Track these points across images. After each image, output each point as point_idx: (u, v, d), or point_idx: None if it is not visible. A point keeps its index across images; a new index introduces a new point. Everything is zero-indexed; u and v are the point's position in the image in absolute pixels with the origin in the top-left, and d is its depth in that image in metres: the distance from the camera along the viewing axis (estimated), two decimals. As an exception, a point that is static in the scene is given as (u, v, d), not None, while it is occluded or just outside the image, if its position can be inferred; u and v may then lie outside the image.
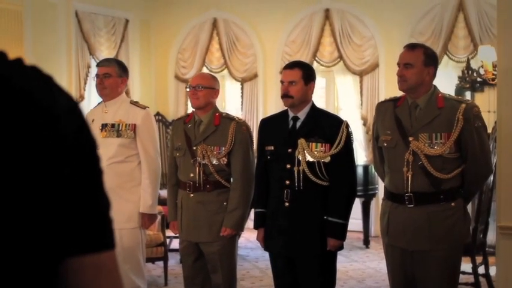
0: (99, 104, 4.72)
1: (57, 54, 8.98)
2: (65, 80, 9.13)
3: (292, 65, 3.99)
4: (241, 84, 10.46)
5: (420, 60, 3.69)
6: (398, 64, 3.75)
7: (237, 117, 4.43)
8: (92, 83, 9.48)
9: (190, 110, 10.25)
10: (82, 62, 9.36)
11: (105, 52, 9.58)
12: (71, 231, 0.98)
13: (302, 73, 3.91)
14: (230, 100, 10.70)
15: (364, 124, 9.43)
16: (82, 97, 9.34)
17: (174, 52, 10.89)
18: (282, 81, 3.96)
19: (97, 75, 4.59)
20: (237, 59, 10.49)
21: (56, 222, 0.96)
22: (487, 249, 6.48)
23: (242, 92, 10.46)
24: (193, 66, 10.75)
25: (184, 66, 10.88)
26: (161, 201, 6.90)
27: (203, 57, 10.66)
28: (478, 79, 8.05)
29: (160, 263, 6.89)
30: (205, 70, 10.08)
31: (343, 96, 9.88)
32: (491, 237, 6.75)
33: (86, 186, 1.01)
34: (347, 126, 3.93)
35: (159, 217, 6.27)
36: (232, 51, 10.49)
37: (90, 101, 9.43)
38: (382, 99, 4.17)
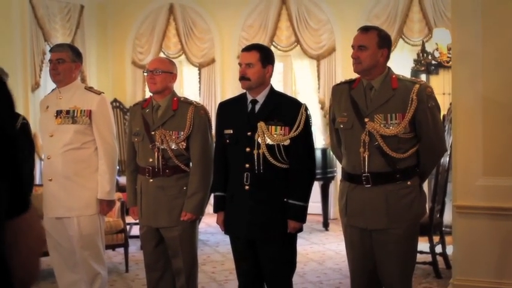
0: (53, 90, 4.65)
1: (12, 41, 8.82)
2: (20, 68, 8.99)
3: (249, 48, 3.99)
4: (199, 70, 10.44)
5: (374, 42, 3.72)
6: (352, 46, 3.78)
7: (195, 102, 4.42)
8: (47, 70, 9.36)
9: (148, 95, 10.19)
10: (37, 48, 9.21)
11: (61, 38, 9.44)
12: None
13: (259, 55, 3.90)
14: (188, 85, 10.67)
15: (322, 108, 9.51)
16: (38, 84, 9.21)
17: (131, 38, 10.80)
18: (239, 64, 3.96)
19: (50, 61, 4.52)
20: (194, 44, 10.45)
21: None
22: (443, 229, 6.61)
23: (200, 77, 10.44)
24: (150, 52, 10.68)
25: (141, 52, 10.80)
26: (121, 188, 6.89)
27: (160, 43, 10.59)
28: (433, 62, 8.17)
29: (121, 250, 6.86)
30: (162, 56, 10.02)
31: (301, 81, 9.92)
32: (447, 217, 6.88)
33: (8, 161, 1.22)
34: (306, 109, 3.94)
35: (118, 204, 6.25)
36: (189, 36, 10.44)
37: (46, 88, 9.29)
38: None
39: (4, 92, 1.29)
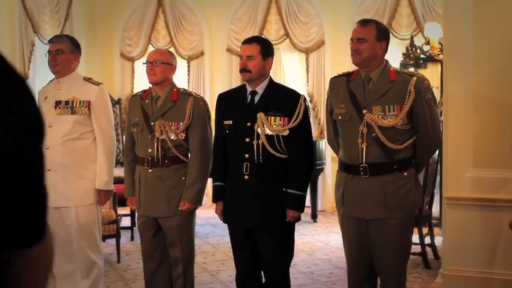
0: (51, 81, 4.66)
1: (0, 32, 8.78)
2: (9, 59, 8.94)
3: (250, 40, 4.04)
4: (188, 62, 10.46)
5: (373, 34, 3.79)
6: (351, 39, 3.84)
7: (195, 93, 4.46)
8: (36, 61, 9.34)
9: (136, 88, 10.23)
10: (26, 40, 9.18)
11: (50, 30, 9.43)
12: (10, 227, 0.98)
13: (260, 48, 3.96)
14: (176, 78, 10.65)
15: (311, 101, 9.56)
16: (27, 76, 9.18)
17: (120, 30, 10.79)
18: (240, 56, 4.01)
19: (49, 52, 4.53)
20: (183, 37, 10.47)
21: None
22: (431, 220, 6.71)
23: (189, 70, 10.46)
24: (139, 45, 10.69)
25: (129, 45, 10.80)
26: (114, 179, 6.89)
27: (149, 35, 10.60)
28: (422, 56, 8.27)
29: (111, 241, 6.89)
30: (151, 48, 10.03)
31: (290, 74, 9.98)
32: (434, 209, 6.99)
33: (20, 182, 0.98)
34: (304, 100, 4.02)
35: (111, 194, 6.28)
36: (178, 29, 10.46)
37: (34, 80, 9.28)
38: (328, 76, 4.26)
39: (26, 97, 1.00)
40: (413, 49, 8.29)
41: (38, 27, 9.35)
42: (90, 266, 4.56)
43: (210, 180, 4.38)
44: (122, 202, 5.84)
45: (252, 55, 3.94)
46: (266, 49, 4.00)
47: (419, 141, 3.83)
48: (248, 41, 4.02)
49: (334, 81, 4.02)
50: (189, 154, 4.34)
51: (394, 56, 8.58)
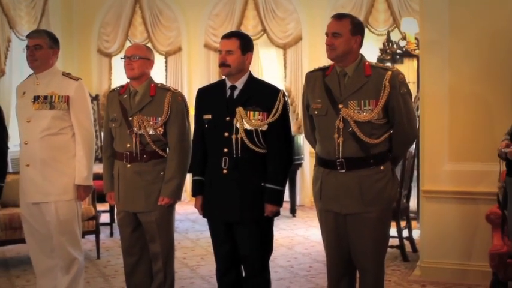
0: (29, 76, 4.64)
1: (-24, 28, 8.71)
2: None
3: (230, 35, 4.05)
4: (166, 58, 10.45)
5: (347, 29, 3.79)
6: (326, 34, 3.83)
7: (173, 88, 4.47)
8: (12, 57, 9.27)
9: (114, 84, 10.18)
10: (2, 36, 9.11)
11: (26, 26, 9.36)
12: None
13: (239, 43, 3.97)
14: (154, 74, 10.61)
15: (289, 96, 9.60)
16: (3, 72, 9.12)
17: (96, 26, 10.75)
18: (219, 51, 4.02)
19: (27, 47, 4.50)
20: (160, 32, 10.45)
21: None
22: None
23: (166, 66, 10.45)
24: (116, 41, 10.65)
25: (107, 40, 10.76)
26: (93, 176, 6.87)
27: (126, 31, 10.57)
28: (398, 51, 8.33)
29: (91, 237, 6.88)
30: (128, 44, 9.99)
31: (267, 69, 10.01)
32: (412, 202, 7.05)
33: None
34: (284, 95, 4.04)
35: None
36: (156, 25, 10.44)
37: (11, 76, 9.23)
38: (305, 71, 4.25)
39: None
40: (390, 44, 8.35)
41: (14, 23, 9.28)
42: (70, 262, 4.55)
43: (189, 176, 4.38)
44: (101, 198, 5.83)
45: (231, 50, 3.95)
46: (245, 44, 4.01)
47: (395, 135, 3.84)
48: (227, 36, 4.04)
49: (310, 76, 4.01)
50: (168, 149, 4.35)
51: (371, 52, 8.65)
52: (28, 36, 4.54)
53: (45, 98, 4.46)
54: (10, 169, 7.17)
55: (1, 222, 6.13)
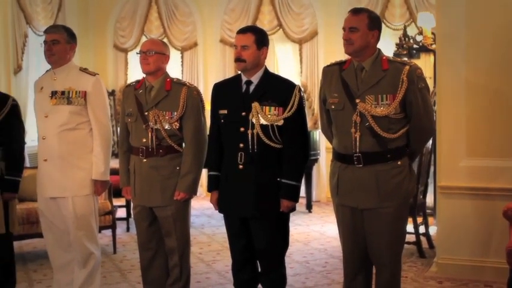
0: (47, 71, 4.66)
1: (-7, 24, 8.77)
2: (2, 51, 8.94)
3: (245, 30, 4.04)
4: (181, 53, 10.46)
5: (364, 23, 3.77)
6: (343, 28, 3.82)
7: (188, 83, 4.47)
8: (29, 52, 9.33)
9: (130, 79, 10.21)
10: (19, 31, 9.17)
11: (42, 21, 9.42)
12: None
13: (255, 38, 3.97)
14: (170, 69, 10.63)
15: (304, 91, 9.58)
16: (20, 67, 9.17)
17: (112, 21, 10.78)
18: (235, 46, 4.02)
19: (45, 42, 4.51)
20: (176, 27, 10.46)
21: None
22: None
23: (182, 61, 10.47)
24: (132, 36, 10.68)
25: (122, 36, 10.79)
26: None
27: (142, 27, 10.59)
28: (415, 46, 8.28)
29: (107, 232, 6.91)
30: (144, 39, 10.01)
31: (283, 64, 10.00)
32: (429, 198, 7.01)
33: None
34: (299, 90, 4.02)
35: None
36: (172, 20, 10.45)
37: (28, 71, 9.28)
38: (321, 66, 4.22)
39: None
40: (407, 39, 8.30)
41: (31, 19, 9.33)
42: (87, 257, 4.57)
43: (204, 171, 4.39)
44: (117, 193, 5.85)
45: (246, 45, 3.95)
46: (261, 39, 4.00)
47: (413, 130, 3.82)
48: (243, 31, 4.03)
49: (327, 70, 4.00)
50: (183, 144, 4.35)
51: (387, 47, 8.60)
52: (46, 32, 4.56)
53: (63, 93, 4.48)
54: (27, 164, 7.23)
55: (18, 216, 6.16)
